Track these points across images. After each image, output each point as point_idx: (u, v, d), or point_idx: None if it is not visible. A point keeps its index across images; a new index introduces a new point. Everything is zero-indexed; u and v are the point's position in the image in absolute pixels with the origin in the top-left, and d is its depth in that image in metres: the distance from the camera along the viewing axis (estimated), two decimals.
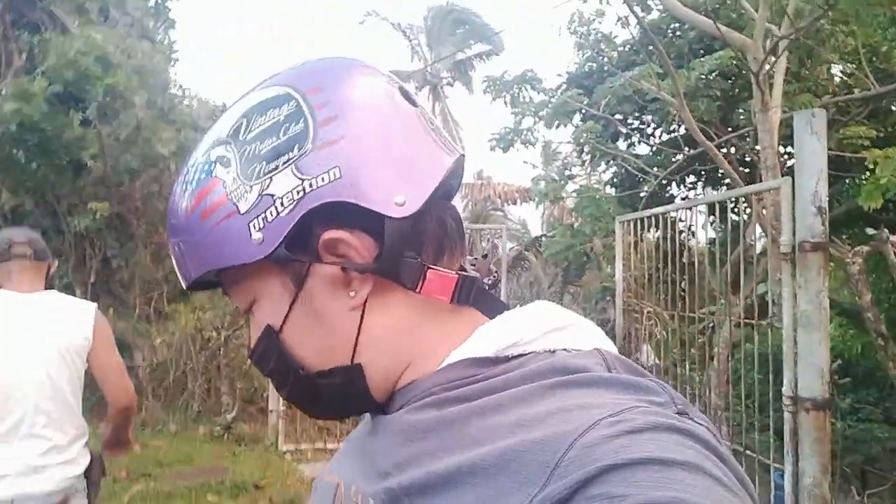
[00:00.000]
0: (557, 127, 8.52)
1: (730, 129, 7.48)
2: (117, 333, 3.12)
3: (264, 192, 0.55)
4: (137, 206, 7.60)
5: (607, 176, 9.72)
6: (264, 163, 0.55)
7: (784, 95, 5.63)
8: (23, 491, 2.08)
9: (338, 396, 0.60)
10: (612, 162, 8.89)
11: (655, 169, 7.74)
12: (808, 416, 2.67)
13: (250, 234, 0.55)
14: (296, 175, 0.55)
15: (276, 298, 0.58)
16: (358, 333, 0.58)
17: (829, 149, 3.14)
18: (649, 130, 8.94)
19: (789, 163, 6.32)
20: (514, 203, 15.74)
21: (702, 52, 7.58)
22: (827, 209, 2.65)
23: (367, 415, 0.67)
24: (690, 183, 8.64)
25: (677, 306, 4.08)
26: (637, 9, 6.70)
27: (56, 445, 2.16)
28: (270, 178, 0.55)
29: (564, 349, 0.55)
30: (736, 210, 4.96)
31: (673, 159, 7.63)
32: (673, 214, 4.46)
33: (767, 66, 4.99)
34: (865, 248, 3.97)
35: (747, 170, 7.14)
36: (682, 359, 4.46)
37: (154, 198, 7.69)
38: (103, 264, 7.61)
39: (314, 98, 0.57)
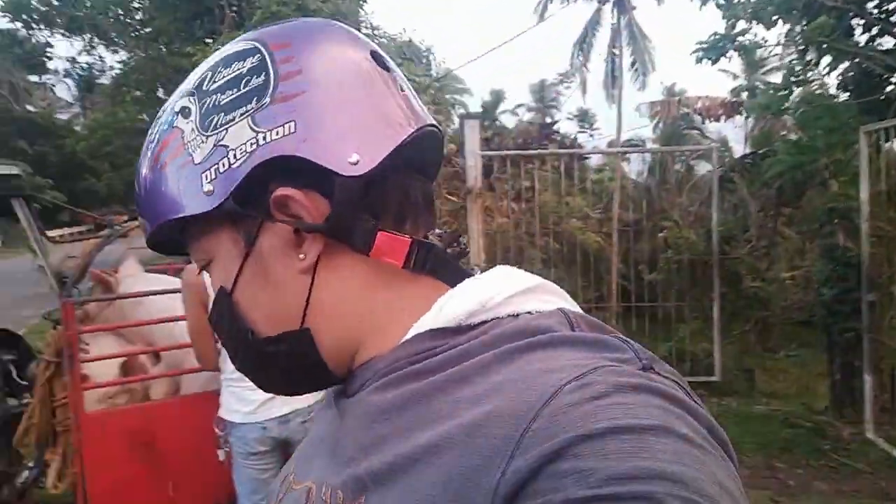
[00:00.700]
0: (775, 25, 7.40)
1: None
2: None
3: (219, 143, 0.54)
4: None
5: (834, 79, 8.28)
6: (222, 114, 0.55)
7: None
8: (293, 408, 2.26)
9: (289, 365, 0.59)
10: (845, 62, 7.52)
11: None
12: None
13: (202, 185, 0.54)
14: (251, 127, 0.54)
15: (228, 258, 0.58)
16: (308, 297, 0.57)
17: None
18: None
19: None
20: (717, 119, 14.29)
21: None
22: None
23: (322, 408, 0.67)
24: None
25: None
26: None
27: None
28: (226, 129, 0.55)
29: (528, 312, 0.53)
30: None
31: None
32: None
33: None
34: None
35: None
36: None
37: None
38: None
39: (279, 53, 0.56)
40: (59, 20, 9.80)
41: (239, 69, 0.56)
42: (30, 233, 2.69)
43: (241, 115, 0.54)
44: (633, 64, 24.36)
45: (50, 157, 35.74)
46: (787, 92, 7.96)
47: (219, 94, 0.56)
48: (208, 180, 0.54)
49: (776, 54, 11.07)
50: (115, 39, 10.07)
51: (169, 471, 2.48)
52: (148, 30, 9.77)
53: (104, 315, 3.15)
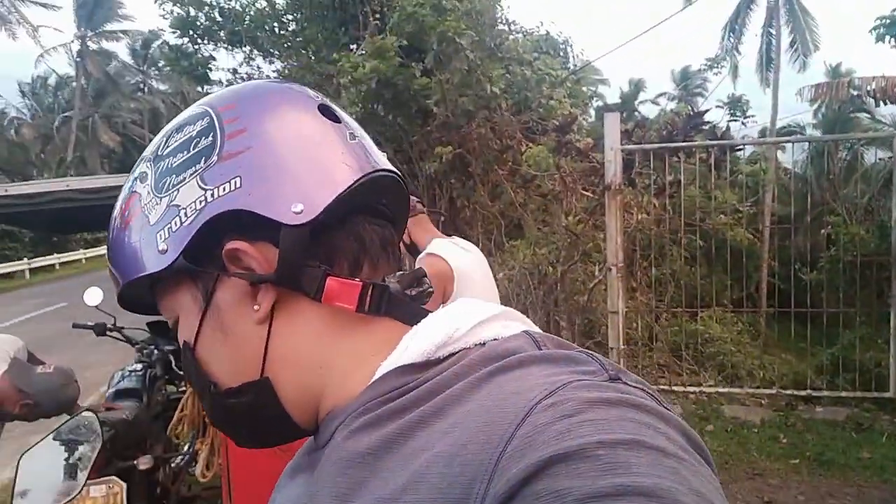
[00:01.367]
0: None
1: None
2: None
3: (171, 204, 0.57)
4: (474, 147, 7.99)
5: None
6: (174, 175, 0.58)
7: None
8: None
9: (253, 417, 0.59)
10: None
11: None
12: None
13: (157, 244, 0.57)
14: (200, 186, 0.57)
15: (190, 313, 0.59)
16: (266, 347, 0.58)
17: None
18: None
19: None
20: (894, 101, 12.74)
21: None
22: None
23: (288, 476, 0.65)
24: None
25: None
26: None
27: None
28: (178, 189, 0.57)
29: (494, 339, 0.54)
30: None
31: None
32: None
33: None
34: None
35: None
36: None
37: (488, 137, 7.99)
38: (450, 204, 8.25)
39: (226, 114, 0.59)
40: (221, 34, 10.64)
41: (189, 132, 0.60)
42: None
43: (191, 174, 0.57)
44: (791, 44, 22.42)
45: None
46: None
47: (171, 158, 0.59)
48: (162, 239, 0.57)
49: None
50: (271, 50, 10.77)
51: None
52: (299, 40, 10.35)
53: None
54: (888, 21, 6.94)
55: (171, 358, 3.55)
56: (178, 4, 10.33)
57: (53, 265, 24.14)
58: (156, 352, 3.56)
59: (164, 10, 10.44)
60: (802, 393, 5.63)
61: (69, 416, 2.32)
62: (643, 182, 7.34)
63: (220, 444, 2.63)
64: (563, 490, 0.38)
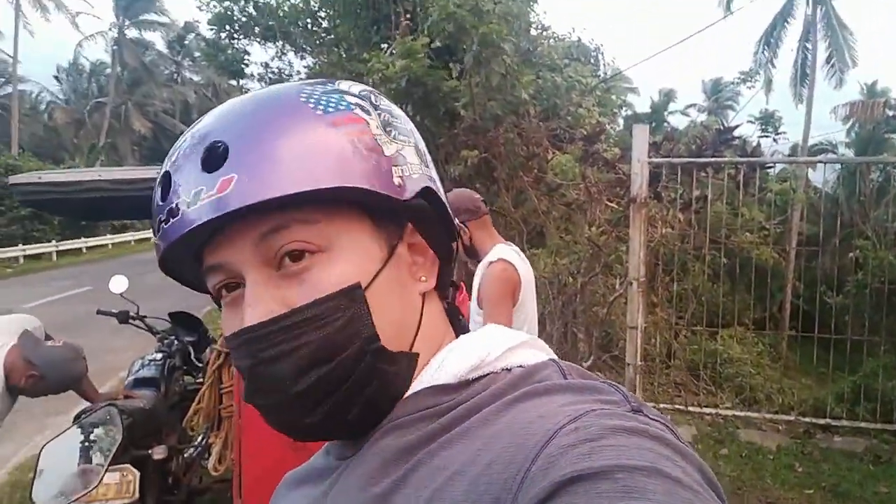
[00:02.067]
0: None
1: None
2: None
3: (400, 152, 0.58)
4: (500, 152, 7.97)
5: None
6: (397, 131, 0.59)
7: None
8: None
9: (374, 393, 0.54)
10: None
11: None
12: None
13: (392, 176, 0.56)
14: (417, 155, 0.60)
15: (364, 256, 0.55)
16: (420, 320, 0.58)
17: None
18: None
19: None
20: None
21: None
22: None
23: (289, 491, 0.66)
24: None
25: None
26: None
27: None
28: (404, 145, 0.59)
29: (520, 366, 0.55)
30: None
31: None
32: None
33: None
34: None
35: None
36: None
37: (514, 143, 7.97)
38: None
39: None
40: (255, 29, 10.77)
41: (392, 107, 0.62)
42: None
43: (409, 141, 0.60)
44: (828, 59, 22.08)
45: None
46: None
47: (389, 115, 0.60)
48: (398, 175, 0.56)
49: None
50: (303, 46, 10.88)
51: None
52: (331, 37, 10.44)
53: None
54: None
55: (191, 349, 3.60)
56: None
57: (80, 249, 24.53)
58: (176, 342, 3.61)
59: (201, 2, 10.60)
60: (821, 421, 5.52)
61: (89, 408, 2.36)
62: (669, 196, 7.28)
63: (234, 439, 2.65)
64: None
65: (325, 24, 10.84)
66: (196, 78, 42.33)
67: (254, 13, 10.66)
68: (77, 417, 2.62)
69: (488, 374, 0.55)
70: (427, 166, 0.61)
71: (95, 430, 2.24)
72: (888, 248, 7.79)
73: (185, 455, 3.23)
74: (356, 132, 0.55)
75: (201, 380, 3.33)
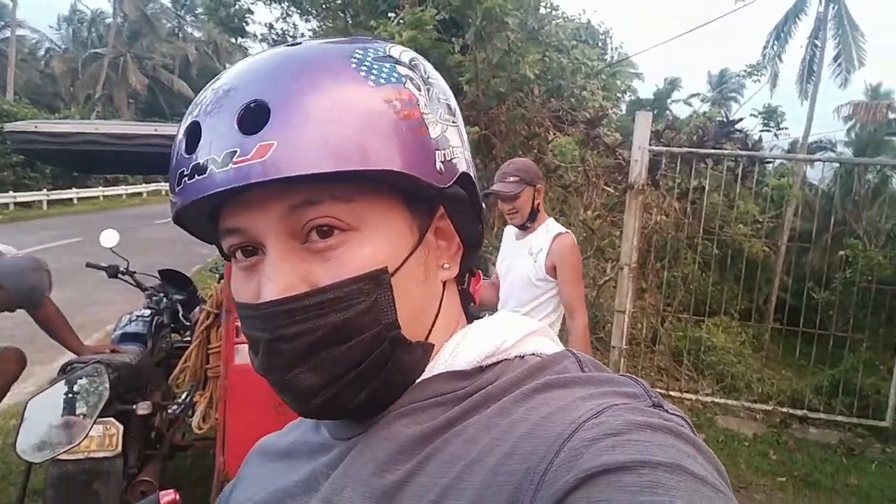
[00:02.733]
0: None
1: None
2: None
3: (445, 134, 0.55)
4: (501, 130, 7.93)
5: None
6: (443, 111, 0.56)
7: None
8: None
9: (388, 380, 0.53)
10: None
11: None
12: None
13: (434, 160, 0.53)
14: (458, 137, 0.58)
15: (396, 239, 0.53)
16: (439, 308, 0.57)
17: None
18: None
19: None
20: None
21: None
22: None
23: (270, 459, 0.65)
24: None
25: None
26: None
27: None
28: (448, 125, 0.56)
29: (534, 354, 0.55)
30: None
31: None
32: None
33: None
34: None
35: None
36: None
37: (517, 121, 7.92)
38: None
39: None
40: None
41: (439, 79, 0.58)
42: None
43: (452, 121, 0.57)
44: (836, 58, 21.98)
45: None
46: None
47: (437, 90, 0.56)
48: (440, 160, 0.54)
49: None
50: (308, 9, 10.69)
51: None
52: (337, 1, 10.26)
53: None
54: None
55: (180, 307, 3.60)
56: None
57: (72, 199, 24.34)
58: (165, 300, 3.61)
59: None
60: (798, 412, 5.62)
61: (75, 360, 2.35)
62: (667, 184, 7.28)
63: (219, 399, 2.67)
64: (603, 501, 0.39)
65: None
66: (198, 34, 41.73)
67: None
68: (63, 370, 2.62)
69: (502, 361, 0.55)
70: (466, 149, 0.59)
71: (82, 386, 2.24)
72: (878, 249, 7.86)
73: (169, 412, 3.25)
74: (406, 110, 0.51)
75: (189, 338, 3.33)
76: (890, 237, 10.79)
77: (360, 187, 0.51)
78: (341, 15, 10.26)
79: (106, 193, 27.13)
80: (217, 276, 3.65)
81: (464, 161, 0.58)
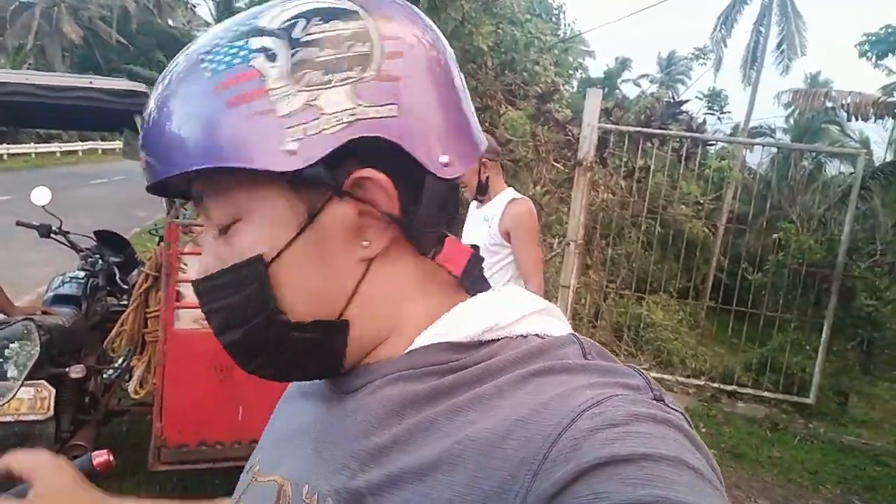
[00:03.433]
0: None
1: None
2: None
3: (311, 103, 0.49)
4: None
5: None
6: (319, 73, 0.50)
7: None
8: None
9: (306, 354, 0.54)
10: None
11: None
12: None
13: (282, 141, 0.49)
14: (350, 97, 0.50)
15: (276, 224, 0.51)
16: (356, 288, 0.54)
17: None
18: None
19: None
20: (866, 119, 13.05)
21: None
22: None
23: (289, 397, 0.66)
24: None
25: None
26: None
27: None
28: (322, 90, 0.49)
29: (537, 334, 0.53)
30: None
31: None
32: None
33: None
34: None
35: None
36: None
37: (471, 93, 7.88)
38: None
39: (384, 27, 0.52)
40: None
41: (339, 29, 0.51)
42: None
43: (342, 80, 0.50)
44: (779, 45, 22.63)
45: None
46: None
47: (315, 49, 0.50)
48: (293, 138, 0.49)
49: None
50: None
51: (240, 397, 2.59)
52: None
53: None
54: (874, 38, 7.00)
55: (116, 270, 3.48)
56: None
57: (1, 155, 23.13)
58: (100, 262, 3.48)
59: None
60: (728, 387, 5.87)
61: (3, 321, 2.26)
62: (614, 162, 7.40)
63: (157, 364, 2.60)
64: (603, 493, 0.38)
65: None
66: None
67: None
68: None
69: (503, 339, 0.53)
70: (384, 105, 0.50)
71: (11, 345, 2.14)
72: (810, 233, 8.21)
73: (105, 376, 3.15)
74: (246, 94, 0.49)
75: (126, 302, 3.23)
76: (821, 222, 11.27)
77: (233, 179, 0.51)
78: None
79: (38, 150, 25.81)
80: (157, 238, 3.53)
81: (364, 124, 0.50)
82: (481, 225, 2.88)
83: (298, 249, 0.52)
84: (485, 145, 0.60)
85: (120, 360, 3.15)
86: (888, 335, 8.16)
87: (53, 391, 2.49)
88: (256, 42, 0.50)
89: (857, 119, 13.76)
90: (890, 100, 12.61)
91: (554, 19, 11.83)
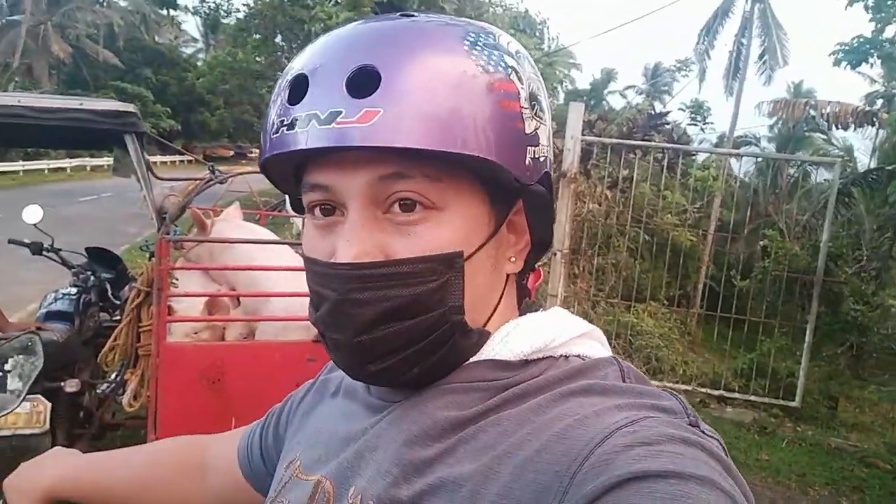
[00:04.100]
0: None
1: None
2: None
3: (537, 131, 0.54)
4: None
5: None
6: (538, 108, 0.55)
7: None
8: None
9: (441, 359, 0.54)
10: None
11: None
12: None
13: (524, 156, 0.53)
14: (547, 137, 0.57)
15: (472, 225, 0.53)
16: (499, 300, 0.58)
17: None
18: None
19: None
20: (846, 128, 13.25)
21: None
22: None
23: (328, 396, 0.69)
24: None
25: None
26: None
27: None
28: (541, 123, 0.55)
29: (578, 356, 0.55)
30: None
31: None
32: None
33: None
34: None
35: None
36: None
37: None
38: None
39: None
40: None
41: (538, 77, 0.57)
42: (138, 167, 2.87)
43: (544, 121, 0.56)
44: (761, 56, 22.93)
45: (171, 88, 37.83)
46: None
47: (536, 87, 0.55)
48: (530, 156, 0.53)
49: None
50: None
51: (233, 408, 2.62)
52: None
53: (195, 252, 3.35)
54: (847, 48, 7.15)
55: (108, 286, 3.51)
56: None
57: None
58: (92, 278, 3.51)
59: None
60: (716, 392, 5.94)
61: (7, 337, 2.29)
62: (599, 173, 7.49)
63: (151, 377, 2.64)
64: None
65: None
66: (123, 3, 39.80)
67: None
68: None
69: (547, 358, 0.55)
70: (550, 149, 0.58)
71: (14, 358, 2.18)
72: (795, 240, 8.32)
73: (99, 390, 3.18)
74: (508, 101, 0.51)
75: (118, 317, 3.26)
76: (805, 229, 11.40)
77: (450, 169, 0.51)
78: None
79: (26, 168, 25.64)
80: (147, 254, 3.57)
81: (548, 162, 0.57)
82: None
83: (483, 254, 0.54)
84: None
85: (113, 375, 3.18)
86: (875, 339, 8.26)
87: (49, 405, 2.52)
88: (509, 60, 0.53)
89: (837, 128, 13.96)
90: (870, 109, 12.81)
91: (538, 34, 11.98)
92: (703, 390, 5.99)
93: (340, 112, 0.48)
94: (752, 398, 5.87)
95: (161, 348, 2.64)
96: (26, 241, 3.50)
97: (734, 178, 14.95)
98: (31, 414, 2.43)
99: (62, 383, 2.66)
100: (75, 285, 3.50)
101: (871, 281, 8.51)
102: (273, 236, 3.63)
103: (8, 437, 2.41)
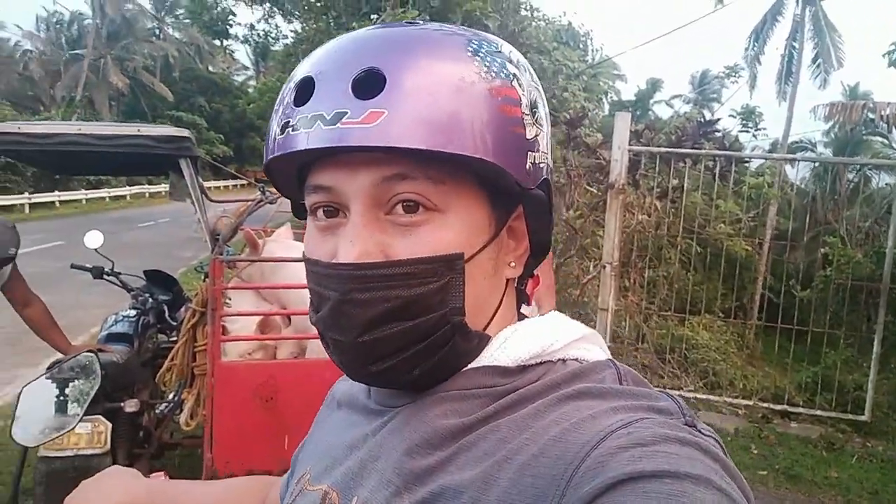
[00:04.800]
0: None
1: None
2: None
3: (537, 138, 0.55)
4: None
5: None
6: (538, 115, 0.56)
7: None
8: None
9: (442, 361, 0.54)
10: None
11: None
12: None
13: (525, 160, 0.54)
14: (546, 145, 0.58)
15: (473, 228, 0.54)
16: (499, 304, 0.58)
17: None
18: None
19: None
20: None
21: None
22: None
23: (335, 408, 0.69)
24: None
25: None
26: None
27: None
28: (540, 130, 0.56)
29: (576, 359, 0.56)
30: None
31: None
32: None
33: None
34: None
35: None
36: None
37: None
38: None
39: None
40: None
41: (538, 86, 0.59)
42: (192, 191, 2.96)
43: (543, 128, 0.57)
44: (814, 59, 22.30)
45: (223, 115, 39.12)
46: None
47: (537, 95, 0.57)
48: (530, 161, 0.55)
49: None
50: (291, 11, 10.70)
51: (286, 426, 2.65)
52: (320, 3, 10.28)
53: (248, 272, 3.42)
54: None
55: (165, 308, 3.60)
56: None
57: (54, 202, 24.05)
58: (150, 300, 3.61)
59: None
60: (779, 407, 5.71)
61: (62, 359, 2.35)
62: (647, 184, 7.36)
63: (206, 396, 2.69)
64: None
65: None
66: (178, 35, 41.41)
67: None
68: (50, 369, 2.63)
69: (545, 363, 0.56)
70: (550, 156, 0.59)
71: (74, 375, 2.25)
72: (857, 247, 7.99)
73: (157, 410, 3.26)
74: (509, 106, 0.52)
75: (175, 338, 3.34)
76: (868, 235, 10.97)
77: (453, 171, 0.52)
78: (324, 17, 10.29)
79: (89, 196, 26.80)
80: (202, 275, 3.66)
81: (548, 168, 0.58)
82: None
83: (483, 257, 0.55)
84: None
85: (171, 395, 3.25)
86: None
87: (110, 426, 2.59)
88: (511, 67, 0.54)
89: None
90: None
91: (581, 46, 11.94)
92: (765, 405, 5.77)
93: (346, 113, 0.48)
94: (818, 413, 5.62)
95: (216, 367, 2.69)
96: (88, 265, 3.63)
97: (790, 185, 14.51)
98: (93, 434, 2.50)
99: (122, 404, 2.74)
100: (134, 308, 3.61)
101: None
102: None
103: (70, 457, 2.48)
